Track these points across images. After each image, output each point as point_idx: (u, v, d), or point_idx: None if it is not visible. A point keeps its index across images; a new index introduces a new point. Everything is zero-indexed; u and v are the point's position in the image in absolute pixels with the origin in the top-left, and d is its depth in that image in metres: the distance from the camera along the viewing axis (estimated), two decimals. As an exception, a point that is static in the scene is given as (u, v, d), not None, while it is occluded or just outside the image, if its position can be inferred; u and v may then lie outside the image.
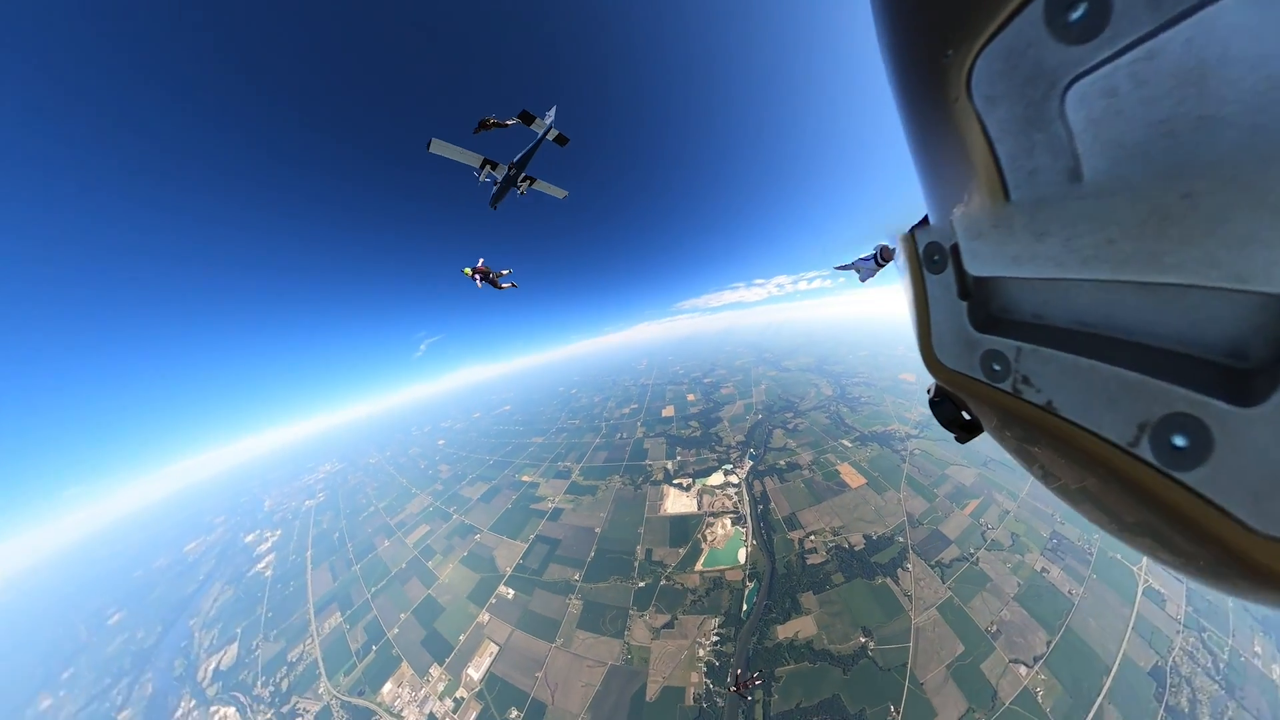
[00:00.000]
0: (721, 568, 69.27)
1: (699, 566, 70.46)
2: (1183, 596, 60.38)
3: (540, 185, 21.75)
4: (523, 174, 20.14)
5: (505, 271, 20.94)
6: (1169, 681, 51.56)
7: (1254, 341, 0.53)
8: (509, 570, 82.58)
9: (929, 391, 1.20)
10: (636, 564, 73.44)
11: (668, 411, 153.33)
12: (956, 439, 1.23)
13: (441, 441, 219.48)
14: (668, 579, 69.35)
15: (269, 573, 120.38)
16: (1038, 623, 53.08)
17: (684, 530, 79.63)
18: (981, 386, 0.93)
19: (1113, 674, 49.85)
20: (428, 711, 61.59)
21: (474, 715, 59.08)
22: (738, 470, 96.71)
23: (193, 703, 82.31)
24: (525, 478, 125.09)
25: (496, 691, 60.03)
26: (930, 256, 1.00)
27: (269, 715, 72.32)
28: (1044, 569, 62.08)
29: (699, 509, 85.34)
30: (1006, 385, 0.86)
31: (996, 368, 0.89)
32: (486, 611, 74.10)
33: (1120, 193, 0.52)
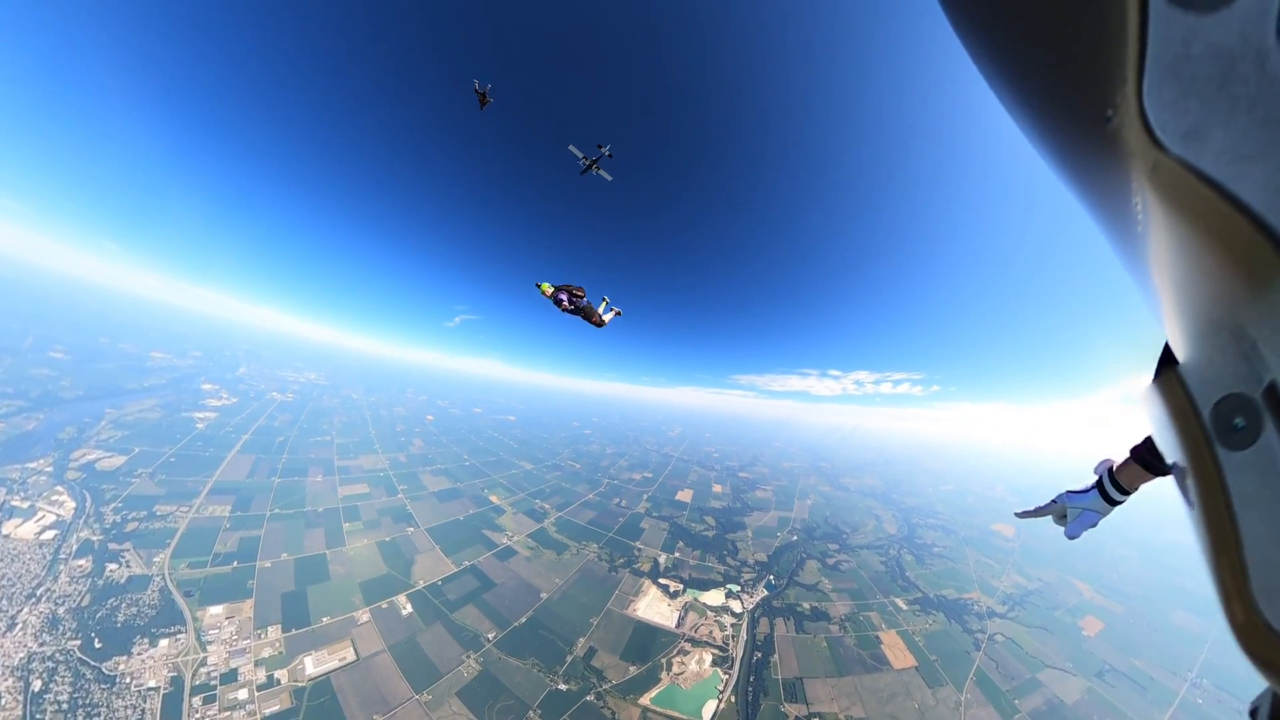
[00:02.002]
0: (676, 714, 52.98)
1: (646, 700, 54.31)
2: None
3: (602, 172, 40.59)
4: (596, 165, 39.77)
5: (605, 301, 19.79)
6: None
7: None
8: (421, 584, 70.25)
9: (1255, 714, 0.65)
10: (569, 659, 58.80)
11: (684, 495, 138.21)
12: None
13: (430, 418, 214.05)
14: (598, 697, 53.65)
15: (200, 426, 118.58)
16: None
17: (647, 645, 64.17)
18: None
19: None
20: (233, 665, 50.28)
21: (275, 709, 46.57)
22: (745, 596, 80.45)
23: (50, 469, 79.91)
24: (494, 498, 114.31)
25: (319, 702, 47.37)
26: (1225, 422, 0.55)
27: (97, 536, 65.35)
28: None
29: (677, 626, 69.66)
30: None
31: None
32: (369, 611, 61.69)
33: None
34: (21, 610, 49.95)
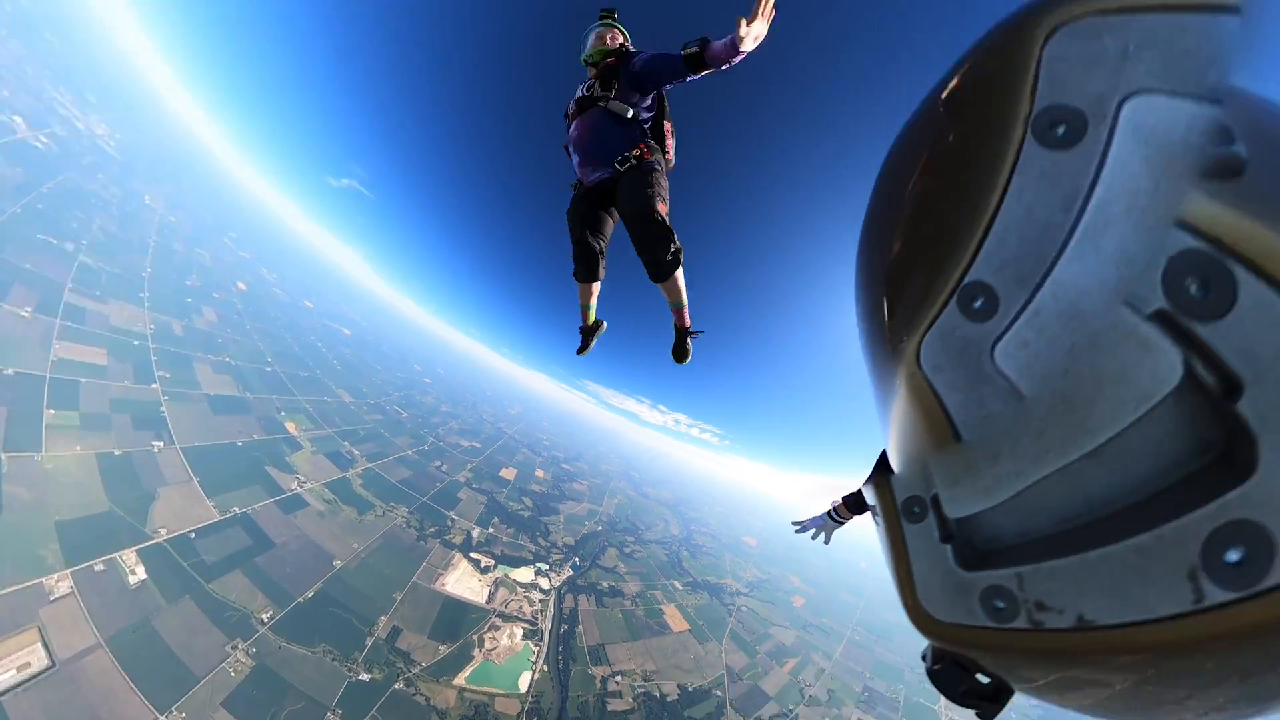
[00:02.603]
0: (493, 690, 53.09)
1: (461, 680, 52.54)
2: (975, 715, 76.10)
3: None
4: None
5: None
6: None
7: (1198, 424, 0.61)
8: (165, 534, 51.85)
9: (925, 659, 1.05)
10: (370, 641, 51.75)
11: (508, 473, 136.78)
12: (980, 715, 1.01)
13: (242, 285, 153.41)
14: (408, 683, 49.40)
15: None
16: (869, 770, 60.52)
17: (457, 621, 61.16)
18: (991, 634, 0.84)
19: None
20: None
21: None
22: (553, 574, 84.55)
23: None
24: (291, 426, 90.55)
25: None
26: (910, 509, 1.04)
27: None
28: (863, 719, 72.03)
29: (487, 602, 68.53)
30: (1021, 621, 0.78)
31: (1001, 605, 0.82)
32: (70, 576, 42.27)
33: (1048, 399, 0.73)
34: None
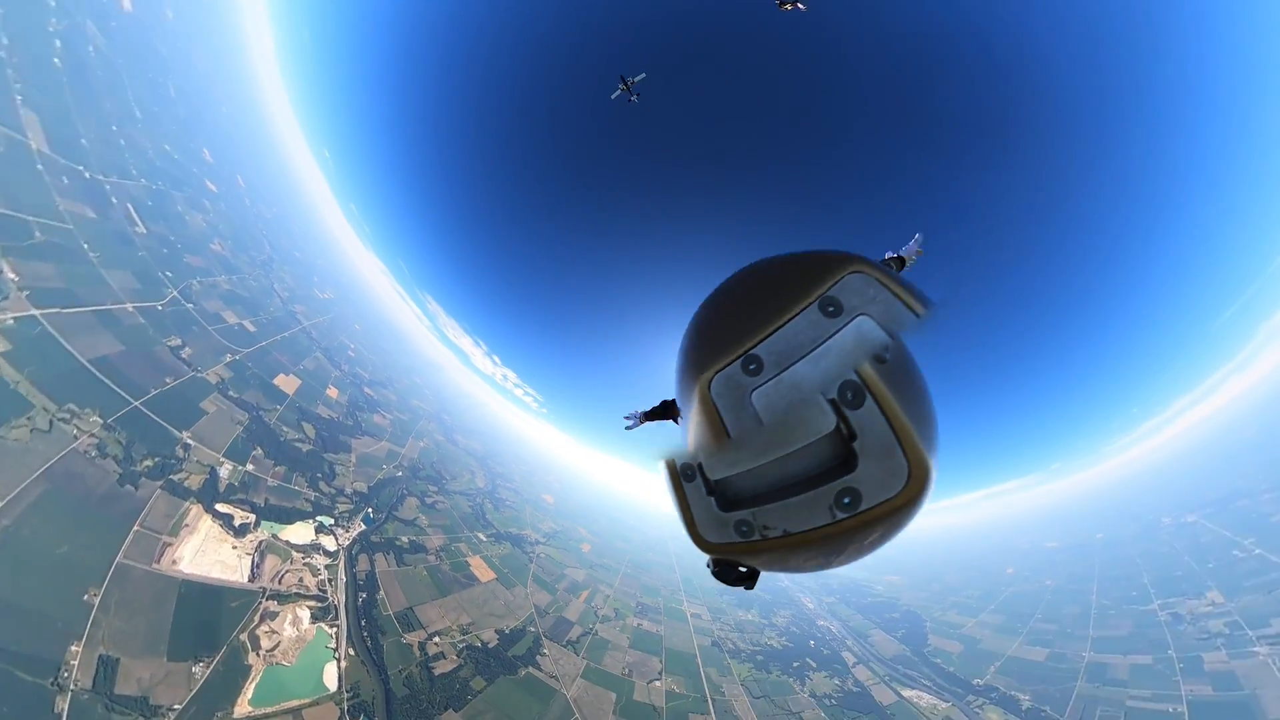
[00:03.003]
0: (295, 702, 41.45)
1: (244, 705, 39.33)
2: (706, 608, 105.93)
3: (630, 94, 55.16)
4: (627, 93, 53.69)
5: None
6: (723, 645, 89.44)
7: (837, 449, 1.41)
8: None
9: (708, 565, 1.89)
10: (65, 702, 32.14)
11: (286, 383, 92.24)
12: (745, 588, 1.98)
13: None
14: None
15: None
16: (650, 655, 78.25)
17: (211, 621, 44.42)
18: (741, 545, 1.61)
19: (698, 657, 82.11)
20: None
21: None
22: (340, 530, 67.24)
23: None
24: None
25: None
26: (686, 473, 1.76)
27: None
28: (640, 624, 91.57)
29: (251, 579, 51.00)
30: (756, 536, 1.55)
31: (744, 529, 1.57)
32: None
33: (773, 424, 1.47)
34: None
